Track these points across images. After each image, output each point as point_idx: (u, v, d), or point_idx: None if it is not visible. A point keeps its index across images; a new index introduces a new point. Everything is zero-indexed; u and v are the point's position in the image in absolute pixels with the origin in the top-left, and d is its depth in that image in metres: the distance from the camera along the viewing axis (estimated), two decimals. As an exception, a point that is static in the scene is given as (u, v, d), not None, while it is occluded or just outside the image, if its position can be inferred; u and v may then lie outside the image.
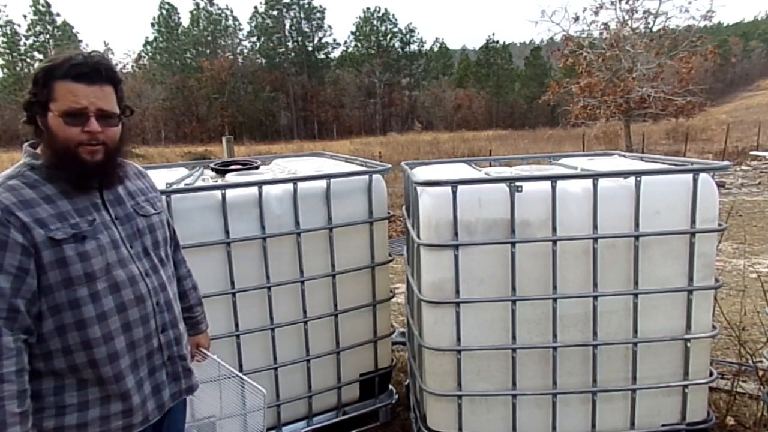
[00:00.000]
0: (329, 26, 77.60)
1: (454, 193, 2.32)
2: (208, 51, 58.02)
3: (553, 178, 2.36)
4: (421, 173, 2.90)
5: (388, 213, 2.94)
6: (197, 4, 58.83)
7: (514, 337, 2.44)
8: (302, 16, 60.22)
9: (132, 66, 56.12)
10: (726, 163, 2.52)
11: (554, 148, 24.88)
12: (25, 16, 60.04)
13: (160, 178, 2.58)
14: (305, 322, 2.76)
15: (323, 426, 2.93)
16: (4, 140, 36.09)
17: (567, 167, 2.96)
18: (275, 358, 2.72)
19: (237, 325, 2.60)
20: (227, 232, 2.52)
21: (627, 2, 19.60)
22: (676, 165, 2.78)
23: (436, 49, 69.90)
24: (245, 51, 61.23)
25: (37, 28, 51.85)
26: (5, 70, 50.20)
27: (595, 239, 2.36)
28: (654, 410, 2.57)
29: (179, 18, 58.48)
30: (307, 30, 60.57)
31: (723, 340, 3.95)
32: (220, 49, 59.20)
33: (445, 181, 2.37)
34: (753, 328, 3.89)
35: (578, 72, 20.68)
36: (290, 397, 2.80)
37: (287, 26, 59.64)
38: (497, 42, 65.14)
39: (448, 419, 2.55)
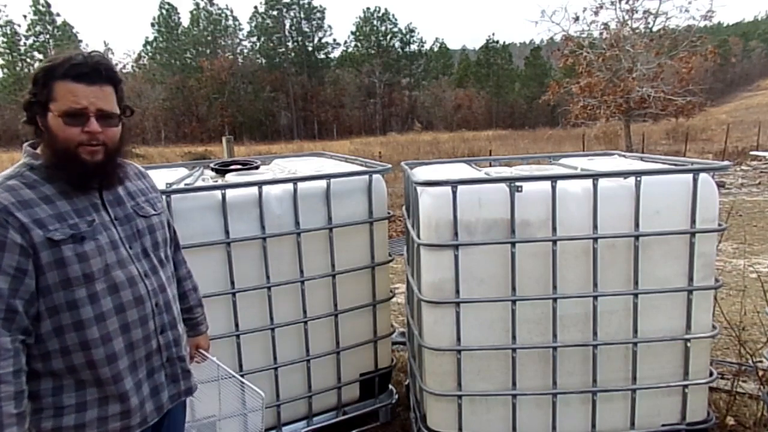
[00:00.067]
0: (329, 26, 77.71)
1: (454, 193, 2.32)
2: (208, 51, 58.03)
3: (553, 178, 2.36)
4: (421, 173, 2.90)
5: (388, 213, 2.94)
6: (197, 4, 58.95)
7: (514, 337, 2.44)
8: (302, 16, 60.21)
9: (132, 66, 56.26)
10: (726, 163, 2.52)
11: (554, 148, 24.88)
12: (25, 16, 60.22)
13: (160, 178, 2.57)
14: (305, 322, 2.75)
15: (323, 426, 2.93)
16: (4, 140, 36.10)
17: (567, 167, 2.96)
18: (275, 358, 2.72)
19: (237, 325, 2.60)
20: (227, 232, 2.52)
21: (627, 2, 19.64)
22: (676, 165, 2.78)
23: (436, 49, 69.92)
24: (245, 51, 61.30)
25: (37, 28, 51.86)
26: (5, 70, 50.23)
27: (595, 239, 2.36)
28: (654, 410, 2.57)
29: (179, 18, 58.60)
30: (307, 30, 60.58)
31: (723, 340, 3.95)
32: (220, 49, 59.19)
33: (445, 181, 2.37)
34: (753, 328, 3.89)
35: (578, 72, 20.67)
36: (290, 397, 2.80)
37: (287, 26, 59.65)
38: (497, 42, 65.18)
39: (448, 419, 2.55)
